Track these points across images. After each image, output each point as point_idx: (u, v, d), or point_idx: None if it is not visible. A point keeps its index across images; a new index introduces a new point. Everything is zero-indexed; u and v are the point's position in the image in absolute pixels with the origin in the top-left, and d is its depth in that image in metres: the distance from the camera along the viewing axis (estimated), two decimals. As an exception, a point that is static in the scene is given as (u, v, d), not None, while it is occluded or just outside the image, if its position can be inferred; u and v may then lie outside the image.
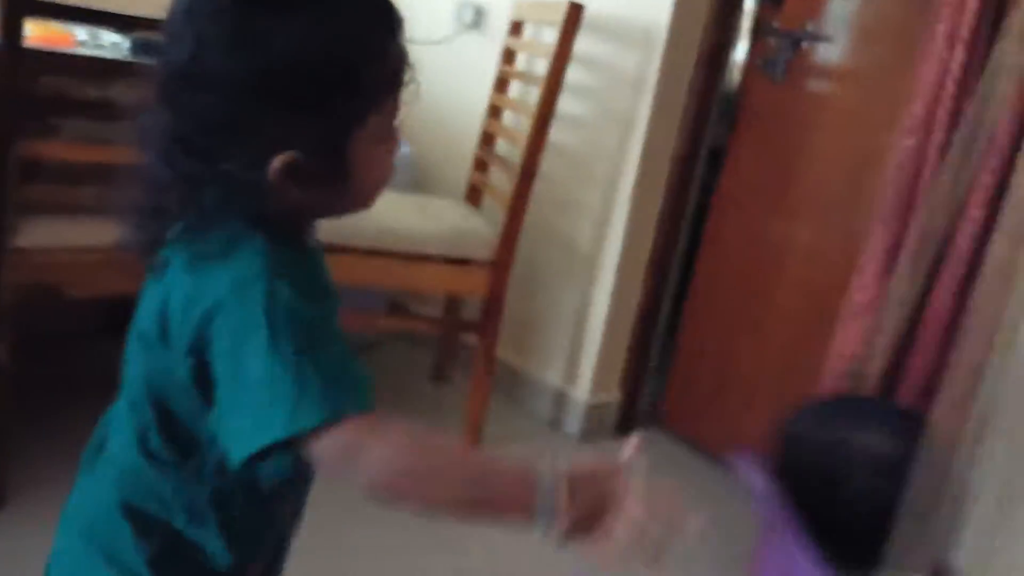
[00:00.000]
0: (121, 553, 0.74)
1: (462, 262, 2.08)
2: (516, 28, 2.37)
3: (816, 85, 2.10)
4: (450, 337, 2.50)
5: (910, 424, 0.96)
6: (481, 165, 2.40)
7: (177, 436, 0.73)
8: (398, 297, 2.73)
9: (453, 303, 2.45)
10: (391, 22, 0.71)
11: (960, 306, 1.58)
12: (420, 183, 2.62)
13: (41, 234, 1.55)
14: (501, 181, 2.23)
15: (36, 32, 1.65)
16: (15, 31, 1.39)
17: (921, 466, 0.84)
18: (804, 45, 2.08)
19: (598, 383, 2.32)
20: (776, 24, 2.13)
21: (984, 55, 1.57)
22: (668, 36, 2.10)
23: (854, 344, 1.61)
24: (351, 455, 0.65)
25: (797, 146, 2.12)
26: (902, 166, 1.62)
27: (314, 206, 0.74)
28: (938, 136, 1.59)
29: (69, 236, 1.58)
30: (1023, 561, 1.43)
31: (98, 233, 1.58)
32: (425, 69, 2.82)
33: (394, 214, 2.14)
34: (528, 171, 2.05)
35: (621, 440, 2.34)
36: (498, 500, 0.66)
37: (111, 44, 1.90)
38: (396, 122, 0.74)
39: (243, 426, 0.64)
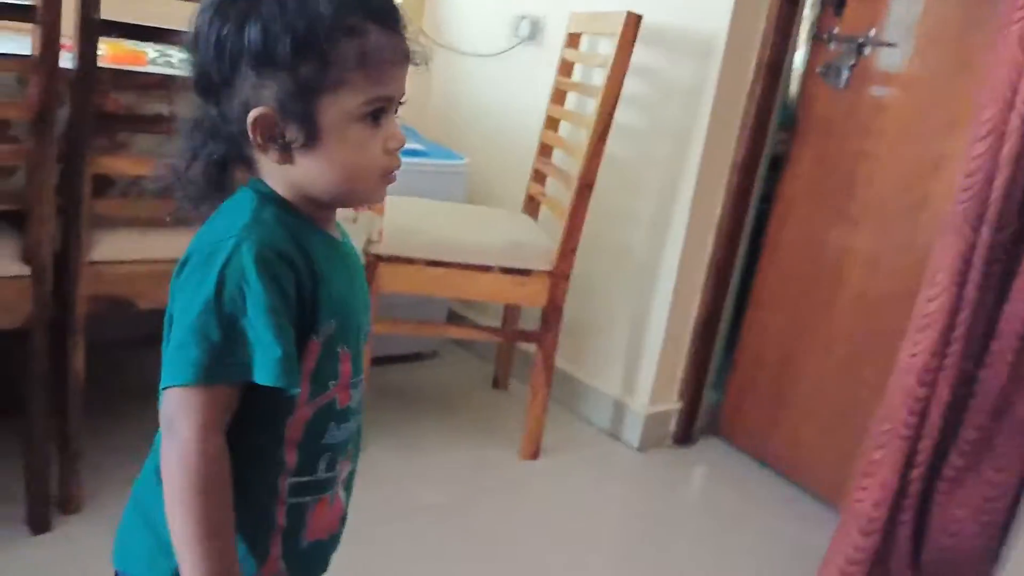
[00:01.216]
0: (154, 516, 0.78)
1: (521, 272, 2.09)
2: (573, 40, 2.38)
3: (878, 91, 2.06)
4: (508, 346, 2.51)
5: None
6: (539, 176, 2.41)
7: None
8: (457, 307, 2.75)
9: (512, 312, 2.46)
10: (367, 6, 0.76)
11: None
12: (478, 195, 2.64)
13: (113, 247, 1.60)
14: (559, 192, 2.23)
15: (108, 51, 1.71)
16: (89, 51, 1.44)
17: None
18: (866, 51, 2.04)
19: (657, 393, 2.30)
20: (838, 30, 2.10)
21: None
22: (727, 45, 2.08)
23: (925, 355, 1.57)
24: (168, 431, 0.74)
25: (858, 153, 2.08)
26: (972, 173, 1.57)
27: (306, 181, 0.79)
28: (1011, 142, 1.54)
29: (139, 249, 1.62)
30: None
31: (167, 245, 1.63)
32: (483, 81, 2.87)
33: (454, 226, 2.16)
34: (586, 182, 2.05)
35: (679, 451, 2.35)
36: (195, 566, 0.73)
37: (180, 61, 1.96)
38: (388, 115, 0.79)
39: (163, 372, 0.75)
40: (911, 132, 2.00)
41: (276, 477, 0.81)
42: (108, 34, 1.47)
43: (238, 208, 0.78)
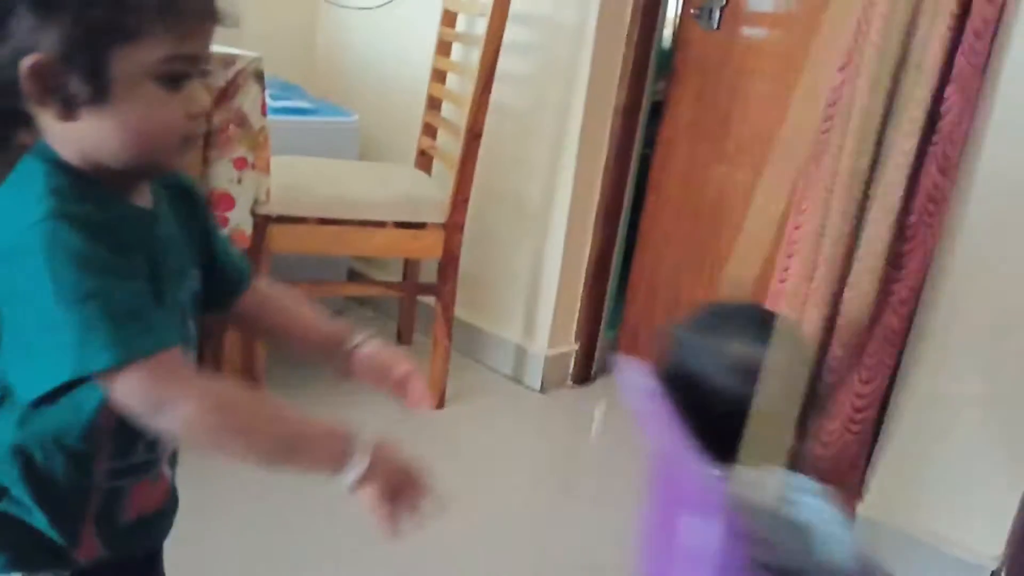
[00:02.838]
0: None
1: (416, 226, 2.11)
2: (454, -11, 2.38)
3: (749, 31, 2.14)
4: (409, 301, 2.53)
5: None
6: (429, 130, 2.42)
7: None
8: (357, 265, 2.75)
9: (411, 267, 2.48)
10: None
11: (895, 236, 1.64)
12: (370, 152, 2.63)
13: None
14: (449, 144, 2.24)
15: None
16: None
17: (770, 367, 0.93)
18: (735, -9, 2.12)
19: (555, 336, 2.37)
20: (708, -28, 2.16)
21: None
22: (602, -10, 2.12)
23: (793, 280, 1.66)
24: (158, 406, 0.68)
25: (734, 92, 2.16)
26: (833, 103, 1.66)
27: (92, 143, 0.70)
28: (866, 71, 1.63)
29: None
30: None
31: None
32: (368, 35, 2.81)
33: (345, 182, 2.15)
34: (474, 132, 2.07)
35: (579, 390, 2.43)
36: (312, 450, 0.73)
37: None
38: (190, 80, 0.72)
39: (31, 369, 0.67)
40: (782, 69, 2.08)
41: (87, 465, 0.76)
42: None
43: (29, 185, 0.69)
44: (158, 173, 0.78)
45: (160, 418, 0.68)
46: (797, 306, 1.67)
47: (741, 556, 0.84)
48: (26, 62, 0.66)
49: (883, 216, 1.63)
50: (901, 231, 1.64)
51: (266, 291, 0.93)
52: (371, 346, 0.91)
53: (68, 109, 0.68)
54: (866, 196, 1.66)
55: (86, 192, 0.70)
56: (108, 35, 0.66)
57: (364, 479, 0.73)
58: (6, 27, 0.66)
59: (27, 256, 0.65)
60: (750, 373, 0.93)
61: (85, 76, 0.67)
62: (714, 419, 0.93)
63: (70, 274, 0.65)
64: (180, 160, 0.75)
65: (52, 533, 0.76)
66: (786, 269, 1.68)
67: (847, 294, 1.66)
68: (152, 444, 0.80)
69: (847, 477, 1.76)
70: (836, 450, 1.71)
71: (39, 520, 0.76)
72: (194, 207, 0.87)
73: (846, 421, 1.69)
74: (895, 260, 1.65)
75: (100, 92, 0.68)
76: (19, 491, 0.75)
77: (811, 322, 1.67)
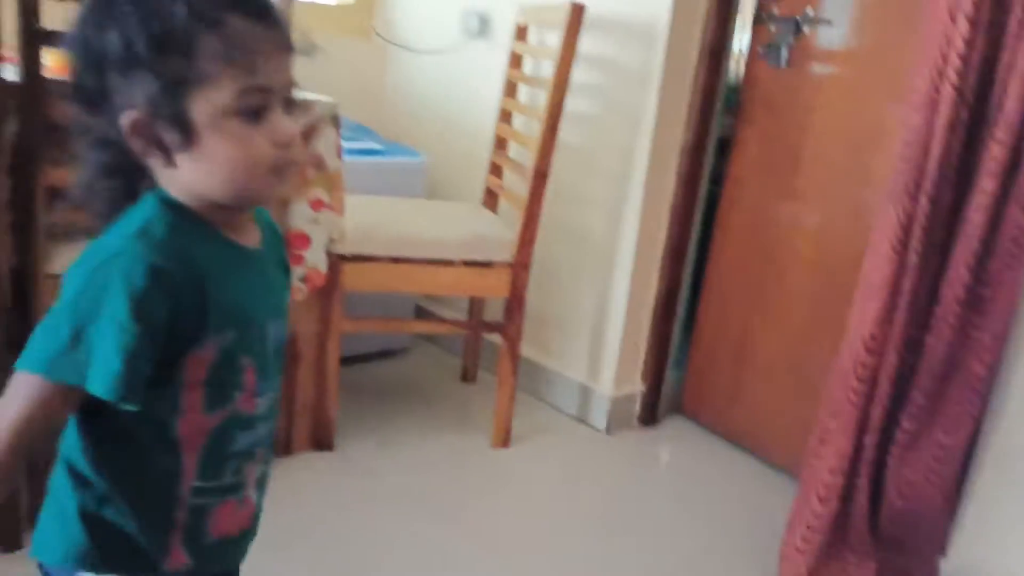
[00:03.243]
0: (60, 495, 0.82)
1: (483, 264, 2.12)
2: (521, 32, 2.40)
3: (819, 68, 2.11)
4: (475, 338, 2.54)
5: None
6: (496, 170, 2.44)
7: None
8: (424, 303, 2.77)
9: (477, 305, 2.49)
10: None
11: (976, 280, 1.59)
12: (437, 191, 2.66)
13: (71, 259, 1.60)
14: (516, 184, 2.26)
15: (53, 61, 1.71)
16: (33, 61, 1.44)
17: None
18: (805, 29, 2.09)
19: (621, 376, 2.34)
20: (776, 10, 2.15)
21: (988, 26, 1.57)
22: (670, 30, 2.12)
23: (871, 323, 1.61)
24: (2, 402, 0.74)
25: (802, 129, 2.13)
26: (910, 143, 1.62)
27: (194, 183, 0.77)
28: (944, 110, 1.59)
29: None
30: None
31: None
32: (436, 78, 2.89)
33: (414, 221, 2.18)
34: (540, 172, 2.08)
35: (646, 431, 2.39)
36: None
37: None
38: (271, 110, 0.76)
39: None
40: (852, 106, 2.05)
41: (173, 482, 0.81)
42: (51, 44, 1.46)
43: (135, 215, 0.77)
44: (258, 203, 0.85)
45: None
46: (875, 350, 1.62)
47: None
48: (124, 121, 0.74)
49: (963, 258, 1.58)
50: (983, 274, 1.59)
51: None
52: None
53: (167, 156, 0.75)
54: (946, 237, 1.62)
55: (185, 229, 0.77)
56: (182, 83, 0.72)
57: None
58: (108, 91, 0.74)
59: (83, 266, 0.74)
60: None
61: (172, 124, 0.73)
62: None
63: (88, 307, 0.72)
64: (277, 189, 0.79)
65: (143, 541, 0.82)
66: (863, 312, 1.63)
67: (928, 339, 1.61)
68: (239, 468, 0.85)
69: (929, 532, 1.69)
70: (916, 503, 1.64)
71: (132, 528, 0.81)
72: (286, 260, 0.93)
73: (927, 472, 1.63)
74: (977, 304, 1.60)
75: (188, 137, 0.74)
76: (117, 498, 0.81)
77: (890, 366, 1.62)
